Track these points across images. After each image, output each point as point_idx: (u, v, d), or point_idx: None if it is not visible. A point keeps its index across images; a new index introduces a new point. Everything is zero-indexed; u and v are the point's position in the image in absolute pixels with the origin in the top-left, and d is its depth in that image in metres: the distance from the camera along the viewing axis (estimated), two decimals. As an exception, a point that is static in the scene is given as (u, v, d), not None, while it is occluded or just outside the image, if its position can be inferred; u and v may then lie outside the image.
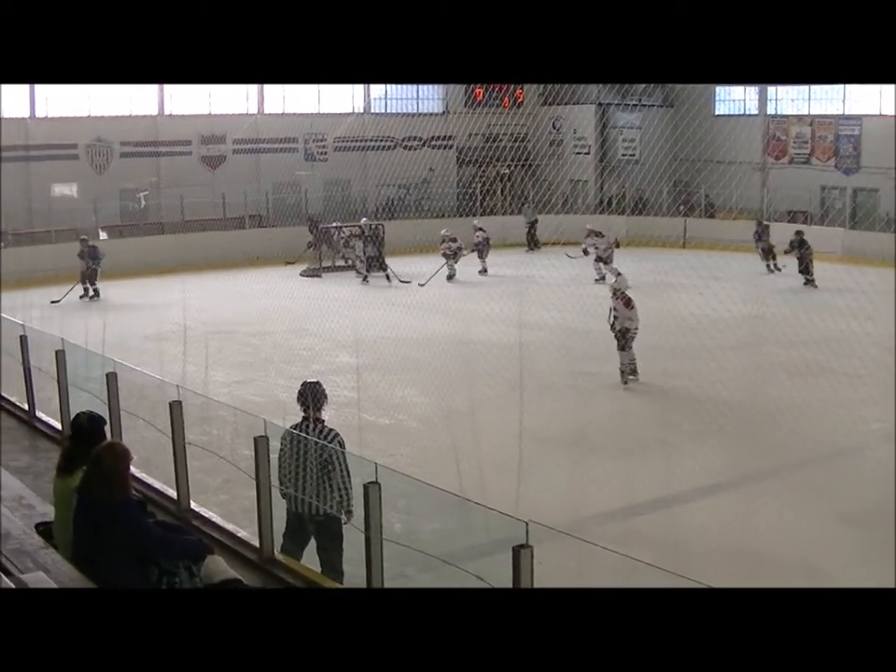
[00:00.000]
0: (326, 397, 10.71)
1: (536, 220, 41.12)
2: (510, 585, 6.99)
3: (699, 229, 39.59)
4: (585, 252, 32.62)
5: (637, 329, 19.68)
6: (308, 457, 10.03)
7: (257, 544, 9.80)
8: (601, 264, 31.66)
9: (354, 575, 9.25)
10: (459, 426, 15.51)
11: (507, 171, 46.29)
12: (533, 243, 40.83)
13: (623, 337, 19.57)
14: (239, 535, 10.21)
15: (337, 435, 10.23)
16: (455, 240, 33.88)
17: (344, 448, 10.10)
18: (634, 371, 19.46)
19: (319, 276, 33.44)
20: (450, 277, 33.65)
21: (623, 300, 19.78)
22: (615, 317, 19.89)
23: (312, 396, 10.50)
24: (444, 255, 33.71)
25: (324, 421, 10.50)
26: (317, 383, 10.75)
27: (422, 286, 30.43)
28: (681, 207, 40.28)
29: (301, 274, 33.47)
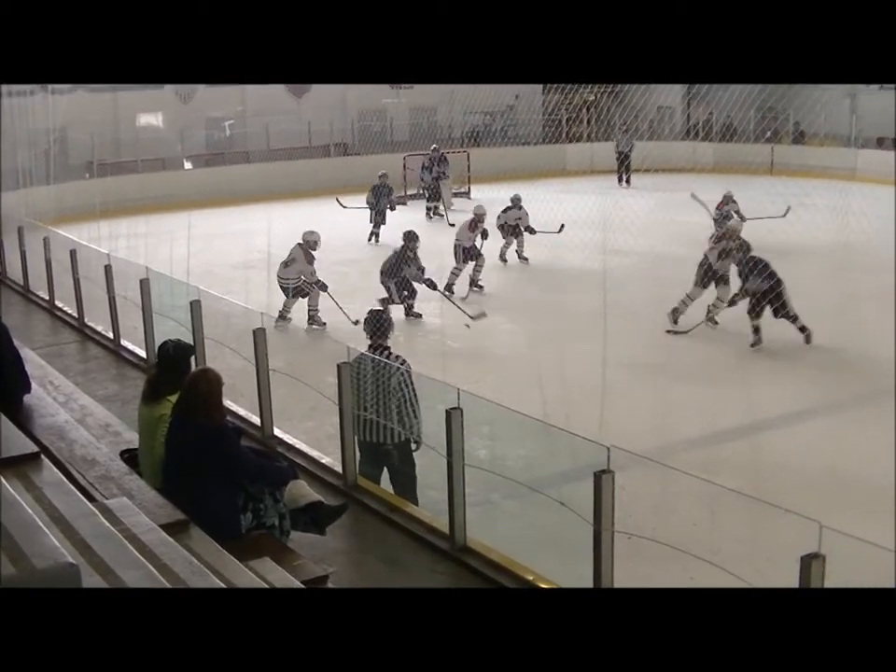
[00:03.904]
0: (391, 324, 10.73)
1: (630, 151, 39.72)
2: (591, 511, 7.00)
3: (787, 155, 38.94)
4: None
5: None
6: (369, 383, 10.05)
7: (340, 470, 9.86)
8: None
9: (439, 500, 9.25)
10: (544, 353, 15.45)
11: (592, 97, 45.74)
12: (626, 177, 38.77)
13: None
14: (322, 461, 10.28)
15: (404, 362, 10.20)
16: None
17: (411, 375, 10.05)
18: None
19: (405, 204, 33.17)
20: None
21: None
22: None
23: (376, 323, 10.57)
24: None
25: (389, 348, 10.48)
26: (382, 310, 10.79)
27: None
28: (768, 133, 39.68)
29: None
